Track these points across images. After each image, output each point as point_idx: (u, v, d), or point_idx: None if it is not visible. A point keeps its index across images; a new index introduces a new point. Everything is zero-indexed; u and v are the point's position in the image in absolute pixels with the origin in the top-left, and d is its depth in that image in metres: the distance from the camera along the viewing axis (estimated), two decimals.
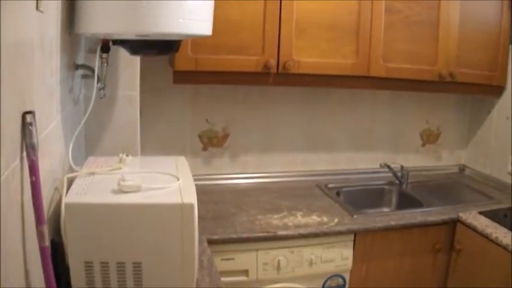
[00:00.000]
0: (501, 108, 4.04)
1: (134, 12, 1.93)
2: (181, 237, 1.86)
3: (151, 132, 3.36)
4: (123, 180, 1.88)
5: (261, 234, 2.87)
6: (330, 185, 3.78)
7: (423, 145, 4.35)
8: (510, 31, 3.87)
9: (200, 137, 3.60)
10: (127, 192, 1.87)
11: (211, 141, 3.63)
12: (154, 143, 3.39)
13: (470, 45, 3.71)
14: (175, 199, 1.86)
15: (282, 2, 3.10)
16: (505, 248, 2.94)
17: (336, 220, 3.12)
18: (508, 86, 3.95)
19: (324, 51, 3.28)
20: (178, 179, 2.04)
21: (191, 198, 1.89)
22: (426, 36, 3.55)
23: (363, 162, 4.12)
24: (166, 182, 2.01)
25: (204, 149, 3.63)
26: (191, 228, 1.87)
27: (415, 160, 4.30)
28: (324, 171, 3.99)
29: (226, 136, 3.66)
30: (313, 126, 3.92)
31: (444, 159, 4.46)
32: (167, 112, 3.49)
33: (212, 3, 2.18)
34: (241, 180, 3.73)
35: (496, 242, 3.01)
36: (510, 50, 3.89)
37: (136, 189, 1.89)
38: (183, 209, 1.84)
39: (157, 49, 2.29)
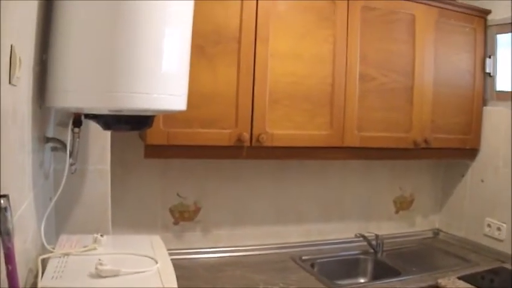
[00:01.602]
0: (475, 171, 4.07)
1: (108, 87, 1.88)
2: None
3: (121, 207, 3.25)
4: (101, 264, 1.80)
5: None
6: (304, 257, 3.70)
7: (396, 212, 4.33)
8: (483, 93, 3.93)
9: (171, 211, 3.50)
10: (105, 276, 1.78)
11: (183, 215, 3.54)
12: (124, 217, 3.28)
13: (444, 110, 3.75)
14: (155, 284, 1.78)
15: (256, 71, 3.09)
16: None
17: None
18: (482, 148, 3.97)
19: (297, 123, 3.26)
20: (156, 262, 1.96)
21: (172, 283, 1.82)
22: (401, 102, 3.57)
23: (335, 233, 4.05)
24: (144, 265, 1.93)
25: (176, 223, 3.53)
26: None
27: (388, 227, 4.25)
28: (297, 243, 3.91)
29: (197, 210, 3.58)
30: (284, 198, 3.86)
31: (418, 224, 4.44)
32: (137, 186, 3.41)
33: (187, 77, 2.14)
34: (213, 254, 3.62)
35: None
36: (484, 112, 3.94)
37: (115, 274, 1.80)
38: None
39: (131, 124, 2.23)
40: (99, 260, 1.82)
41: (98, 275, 1.77)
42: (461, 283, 3.24)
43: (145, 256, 2.04)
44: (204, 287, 3.06)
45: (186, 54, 2.12)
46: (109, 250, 2.08)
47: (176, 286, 1.81)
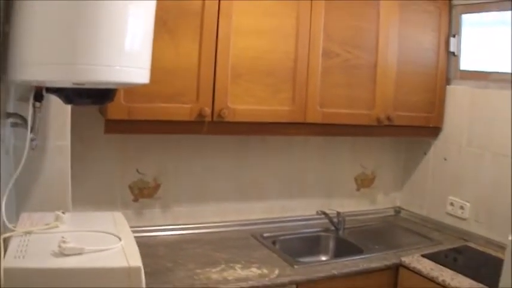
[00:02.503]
0: (437, 149, 4.06)
1: (70, 59, 1.81)
2: None
3: (81, 184, 3.16)
4: (64, 242, 1.74)
5: None
6: (265, 234, 3.67)
7: (358, 189, 4.32)
8: (447, 72, 3.93)
9: (131, 188, 3.43)
10: (69, 255, 1.72)
11: (142, 192, 3.47)
12: (83, 195, 3.19)
13: (407, 88, 3.75)
14: (121, 262, 1.74)
15: (218, 46, 3.02)
16: None
17: (277, 272, 3.01)
18: (444, 127, 3.97)
19: (260, 98, 3.21)
20: (120, 239, 1.91)
21: (137, 260, 1.77)
22: (364, 80, 3.55)
23: (297, 209, 4.02)
24: (108, 242, 1.88)
25: (135, 200, 3.46)
26: None
27: (350, 205, 4.24)
28: (259, 220, 3.87)
29: (157, 186, 3.51)
30: (246, 174, 3.81)
31: (379, 202, 4.44)
32: (96, 163, 3.32)
33: (150, 50, 2.08)
34: (174, 231, 3.55)
35: (443, 285, 2.98)
36: (447, 91, 3.94)
37: (79, 252, 1.75)
38: (130, 272, 1.72)
39: (92, 98, 2.16)
40: (62, 238, 1.77)
41: (62, 253, 1.73)
42: (426, 261, 3.26)
43: (109, 233, 1.99)
44: (166, 264, 3.00)
45: (150, 27, 2.06)
46: (71, 227, 2.04)
47: (141, 264, 1.76)
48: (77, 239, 1.83)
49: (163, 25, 2.85)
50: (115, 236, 1.96)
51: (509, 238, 2.55)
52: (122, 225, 2.15)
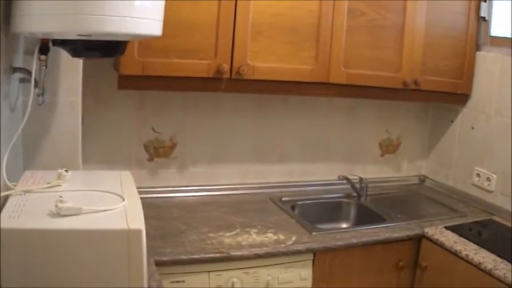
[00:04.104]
0: (465, 117, 3.92)
1: (76, 9, 1.70)
2: (127, 267, 1.65)
3: (94, 142, 3.10)
4: (61, 201, 1.65)
5: (213, 255, 2.65)
6: (284, 198, 3.58)
7: (382, 155, 4.20)
8: (477, 38, 3.77)
9: (146, 146, 3.35)
10: (65, 215, 1.63)
11: (158, 152, 3.39)
12: (96, 153, 3.14)
13: (436, 52, 3.60)
14: (120, 224, 1.65)
15: (238, 2, 2.90)
16: (476, 266, 2.82)
17: (294, 238, 2.92)
18: (473, 94, 3.82)
19: (281, 56, 3.10)
20: (123, 199, 1.82)
21: (138, 223, 1.68)
22: (391, 41, 3.41)
23: (318, 174, 3.93)
24: (109, 202, 1.79)
25: (150, 159, 3.38)
26: (139, 257, 1.66)
27: (373, 171, 4.14)
28: (278, 184, 3.78)
29: (173, 146, 3.42)
30: (265, 136, 3.72)
31: (404, 170, 4.32)
32: (111, 120, 3.23)
33: (163, 1, 1.97)
34: (189, 193, 3.48)
35: (466, 260, 2.90)
36: (477, 57, 3.79)
37: (76, 212, 1.66)
38: (129, 235, 1.63)
39: (101, 51, 2.06)
40: (60, 197, 1.67)
41: (58, 213, 1.64)
42: (449, 233, 3.16)
43: (112, 193, 1.90)
44: (179, 227, 2.92)
45: None
46: (73, 187, 1.95)
47: (143, 226, 1.67)
48: (77, 198, 1.74)
49: None
50: (118, 196, 1.87)
51: None
52: (128, 184, 2.06)
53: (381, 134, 4.16)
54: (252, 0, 2.94)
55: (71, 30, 1.81)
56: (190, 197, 3.46)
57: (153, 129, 3.34)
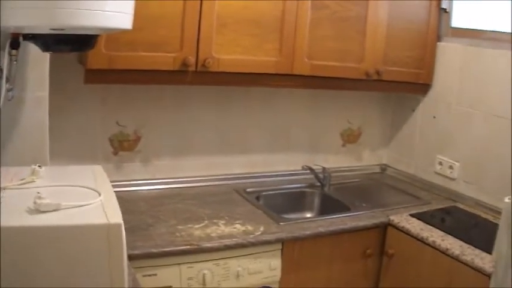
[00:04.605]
0: (426, 107, 3.99)
1: (50, 3, 1.70)
2: (108, 261, 1.66)
3: (59, 137, 3.03)
4: (40, 197, 1.64)
5: (183, 247, 2.66)
6: (248, 189, 3.60)
7: (343, 145, 4.25)
8: (438, 29, 3.85)
9: (111, 140, 3.32)
10: (44, 211, 1.62)
11: (122, 145, 3.37)
12: (62, 148, 3.07)
13: (398, 43, 3.67)
14: (100, 219, 1.65)
15: None
16: (443, 252, 2.90)
17: (262, 228, 2.95)
18: (434, 84, 3.89)
19: (245, 48, 3.11)
20: (99, 194, 1.82)
21: (117, 217, 1.68)
22: (354, 33, 3.46)
23: (281, 164, 3.96)
24: (86, 197, 1.78)
25: (115, 153, 3.35)
26: (119, 251, 1.67)
27: (335, 161, 4.18)
28: (242, 175, 3.80)
29: (138, 139, 3.40)
30: (229, 127, 3.72)
31: (365, 159, 4.38)
32: (75, 115, 3.20)
33: None
34: (154, 186, 3.47)
35: (433, 246, 2.97)
36: (438, 48, 3.86)
37: (55, 208, 1.65)
38: (109, 230, 1.63)
39: (72, 45, 2.05)
40: (38, 193, 1.66)
41: (37, 209, 1.64)
42: (415, 221, 3.23)
43: (87, 188, 1.90)
44: (147, 220, 2.92)
45: None
46: (48, 182, 1.93)
47: (121, 220, 1.67)
48: (54, 194, 1.73)
49: None
50: (94, 190, 1.87)
51: (506, 200, 2.49)
52: (102, 179, 2.05)
53: (342, 124, 4.20)
54: None
55: (44, 24, 1.79)
56: (156, 190, 3.44)
57: (117, 123, 3.31)
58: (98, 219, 1.65)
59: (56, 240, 1.59)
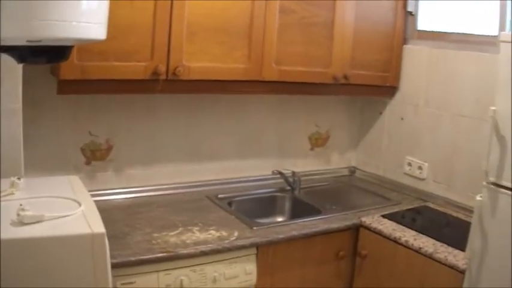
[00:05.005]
0: (394, 109, 4.05)
1: (26, 15, 1.72)
2: (93, 270, 1.69)
3: (32, 148, 3.03)
4: (23, 210, 1.65)
5: (160, 255, 2.67)
6: (220, 196, 3.62)
7: (312, 149, 4.29)
8: (404, 32, 3.92)
9: (83, 150, 3.31)
10: (28, 223, 1.63)
11: (95, 155, 3.36)
12: (35, 159, 3.06)
13: (365, 47, 3.73)
14: (83, 229, 1.67)
15: (174, 2, 2.92)
16: (417, 251, 2.96)
17: (236, 234, 2.98)
18: (401, 87, 3.96)
19: (215, 55, 3.14)
20: (79, 204, 1.83)
21: (100, 226, 1.70)
22: (321, 37, 3.51)
23: (251, 169, 3.98)
24: (67, 208, 1.80)
25: (87, 163, 3.35)
26: (103, 259, 1.70)
27: (304, 164, 4.22)
28: (213, 181, 3.81)
29: (110, 148, 3.40)
30: (200, 135, 3.74)
31: (334, 162, 4.43)
32: (48, 126, 3.18)
33: (107, 5, 2.00)
34: (127, 195, 3.47)
35: (406, 246, 3.03)
36: (404, 50, 3.94)
37: (38, 220, 1.67)
38: (93, 239, 1.65)
39: (48, 56, 2.08)
40: (21, 205, 1.68)
41: (21, 222, 1.65)
42: (386, 221, 3.29)
43: (67, 198, 1.92)
44: (123, 229, 2.92)
45: None
46: (28, 194, 1.96)
47: (104, 230, 1.69)
48: (36, 206, 1.75)
49: None
50: (74, 201, 1.89)
51: (478, 198, 2.55)
52: (80, 189, 2.08)
53: (310, 128, 4.25)
54: (187, 1, 2.95)
55: (21, 36, 1.81)
56: (130, 199, 3.44)
57: (89, 132, 3.31)
58: (81, 229, 1.67)
59: (42, 251, 1.61)
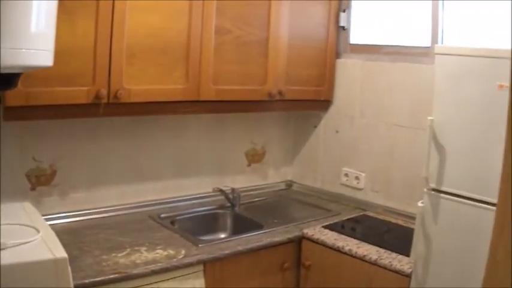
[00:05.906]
0: (328, 122, 4.17)
1: None
2: None
3: None
4: None
5: (113, 276, 2.68)
6: (162, 215, 3.66)
7: (249, 165, 4.36)
8: (337, 46, 4.04)
9: (28, 176, 3.31)
10: None
11: (40, 180, 3.35)
12: None
13: (298, 62, 3.85)
14: (46, 255, 1.69)
15: (114, 24, 2.96)
16: (361, 258, 3.06)
17: (183, 252, 3.03)
18: (335, 100, 4.08)
19: (154, 77, 3.20)
20: (38, 231, 1.86)
21: (61, 251, 1.73)
22: (256, 55, 3.62)
23: (192, 188, 4.03)
24: (26, 235, 1.83)
25: (33, 188, 3.33)
26: (67, 284, 1.71)
27: (242, 181, 4.30)
28: (154, 201, 3.84)
29: (54, 173, 3.40)
30: (140, 155, 3.77)
31: (271, 177, 4.52)
32: None
33: (54, 31, 2.02)
34: (73, 218, 3.46)
35: (350, 254, 3.13)
36: (337, 64, 4.06)
37: (1, 247, 1.69)
38: (56, 264, 1.68)
39: None
40: None
41: None
42: (328, 232, 3.39)
43: (24, 225, 1.93)
44: (72, 252, 2.91)
45: (53, 8, 2.02)
46: None
47: (66, 254, 1.72)
48: None
49: (60, 4, 2.74)
50: (32, 227, 1.91)
51: (419, 204, 2.65)
52: (35, 215, 2.11)
53: (246, 144, 4.34)
54: (126, 23, 3.00)
55: None
56: (76, 222, 3.44)
57: (33, 158, 3.31)
58: (44, 255, 1.69)
59: (6, 279, 1.61)
